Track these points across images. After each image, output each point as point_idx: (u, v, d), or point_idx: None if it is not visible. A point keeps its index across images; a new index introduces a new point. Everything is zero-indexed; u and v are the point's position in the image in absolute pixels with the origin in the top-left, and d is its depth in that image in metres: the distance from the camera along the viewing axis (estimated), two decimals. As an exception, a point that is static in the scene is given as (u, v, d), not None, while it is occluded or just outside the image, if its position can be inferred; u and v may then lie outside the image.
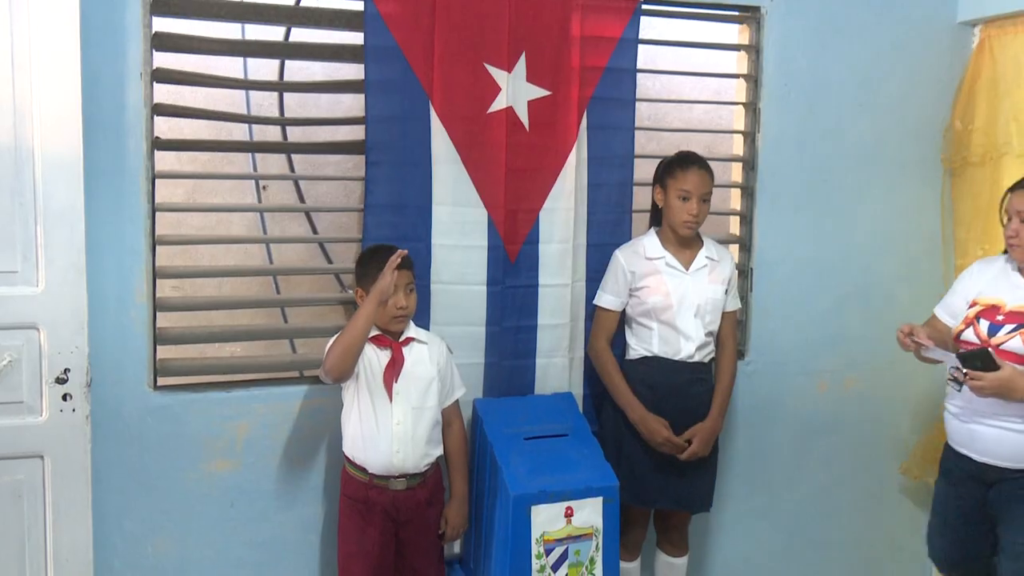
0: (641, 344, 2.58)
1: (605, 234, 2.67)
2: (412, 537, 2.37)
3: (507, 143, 2.53)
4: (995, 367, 2.16)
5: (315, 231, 2.87)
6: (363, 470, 2.31)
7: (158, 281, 2.38)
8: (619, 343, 2.65)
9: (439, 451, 2.39)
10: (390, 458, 2.29)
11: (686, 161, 2.53)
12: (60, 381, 2.07)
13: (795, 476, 3.05)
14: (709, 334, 2.59)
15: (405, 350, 2.35)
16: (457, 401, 2.45)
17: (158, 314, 2.38)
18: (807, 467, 3.06)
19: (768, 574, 3.07)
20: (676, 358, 2.54)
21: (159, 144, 2.35)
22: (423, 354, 2.37)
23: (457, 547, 2.62)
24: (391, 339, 2.34)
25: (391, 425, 2.29)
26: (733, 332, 2.67)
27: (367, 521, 2.32)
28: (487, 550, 2.44)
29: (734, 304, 2.66)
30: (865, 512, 3.16)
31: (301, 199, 2.87)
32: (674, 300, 2.53)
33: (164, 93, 2.37)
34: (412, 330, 2.38)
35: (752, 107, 2.88)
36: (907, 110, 3.02)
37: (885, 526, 3.19)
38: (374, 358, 2.31)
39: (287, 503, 2.50)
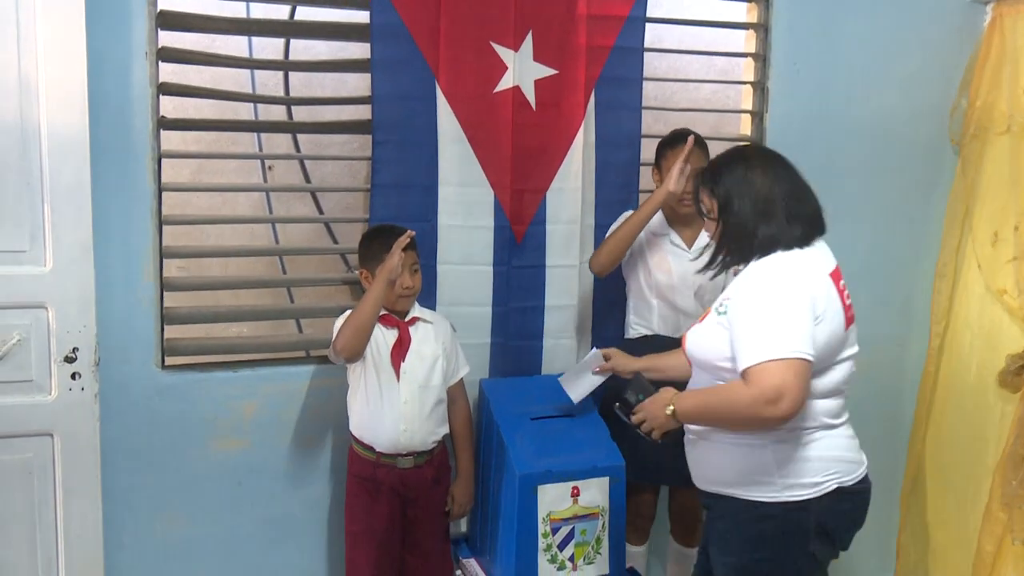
0: (641, 322, 2.58)
1: (612, 215, 2.65)
2: (419, 515, 2.39)
3: (513, 123, 2.52)
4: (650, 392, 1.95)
5: (321, 211, 2.87)
6: (370, 449, 2.33)
7: (164, 261, 2.38)
8: (617, 322, 2.65)
9: (445, 429, 2.41)
10: (397, 436, 2.30)
11: (676, 140, 2.52)
12: (69, 360, 2.08)
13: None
14: None
15: (411, 330, 2.36)
16: (462, 379, 2.46)
17: (165, 294, 2.38)
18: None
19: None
20: (676, 335, 2.54)
21: (165, 124, 2.34)
22: (428, 333, 2.38)
23: (464, 526, 2.64)
24: (397, 319, 2.34)
25: (398, 404, 2.30)
26: None
27: (374, 499, 2.34)
28: (494, 529, 2.45)
29: None
30: (882, 497, 3.14)
31: (307, 179, 2.86)
32: (675, 280, 2.52)
33: (169, 72, 2.36)
34: (417, 310, 2.39)
35: (760, 86, 2.86)
36: (918, 89, 3.00)
37: (892, 511, 3.19)
38: (380, 338, 2.32)
39: (294, 482, 2.52)
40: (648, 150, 2.70)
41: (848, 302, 1.86)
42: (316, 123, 2.65)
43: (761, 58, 2.85)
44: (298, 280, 2.79)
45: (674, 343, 2.52)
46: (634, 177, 2.70)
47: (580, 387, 2.36)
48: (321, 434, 2.52)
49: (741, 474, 1.82)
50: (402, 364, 2.32)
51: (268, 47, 2.70)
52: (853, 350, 1.87)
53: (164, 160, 2.36)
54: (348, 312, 2.32)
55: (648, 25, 2.66)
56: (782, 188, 1.85)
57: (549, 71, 2.55)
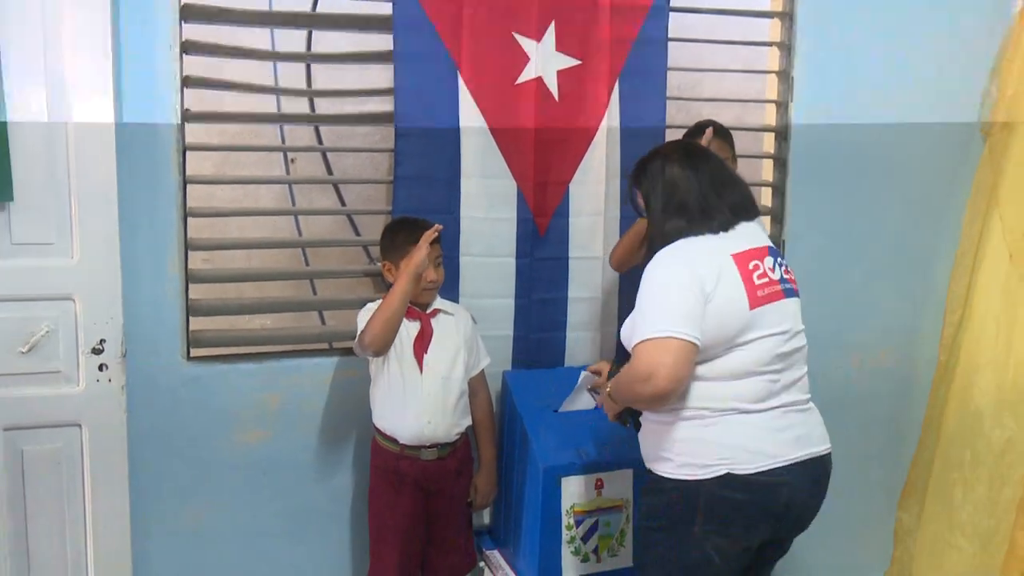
0: None
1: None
2: (442, 507, 2.40)
3: (536, 114, 2.50)
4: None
5: (343, 203, 2.87)
6: (393, 441, 2.33)
7: (189, 253, 2.39)
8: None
9: (468, 421, 2.41)
10: (421, 428, 2.30)
11: (696, 132, 2.50)
12: (96, 351, 2.10)
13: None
14: None
15: (433, 321, 2.36)
16: (483, 371, 2.46)
17: (190, 286, 2.40)
18: (838, 442, 3.02)
19: (796, 550, 3.05)
20: None
21: (189, 116, 2.35)
22: (450, 325, 2.38)
23: (487, 518, 2.64)
24: (419, 311, 2.34)
25: (421, 396, 2.30)
26: None
27: (397, 492, 2.35)
28: (517, 521, 2.45)
29: None
30: (897, 488, 3.13)
31: (329, 171, 2.87)
32: None
33: (192, 66, 2.37)
34: (438, 302, 2.39)
35: (785, 75, 2.83)
36: (946, 78, 2.94)
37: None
38: (403, 330, 2.32)
39: (318, 473, 2.53)
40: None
41: (761, 282, 1.84)
42: (339, 115, 2.65)
43: (786, 47, 2.82)
44: (321, 272, 2.79)
45: None
46: (658, 168, 2.68)
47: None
48: (344, 426, 2.53)
49: (652, 449, 1.89)
50: (425, 356, 2.32)
51: (290, 39, 2.70)
52: (772, 330, 1.83)
53: (188, 152, 2.37)
54: (370, 305, 2.33)
55: (672, 15, 2.63)
56: (699, 182, 1.88)
57: (572, 62, 2.53)
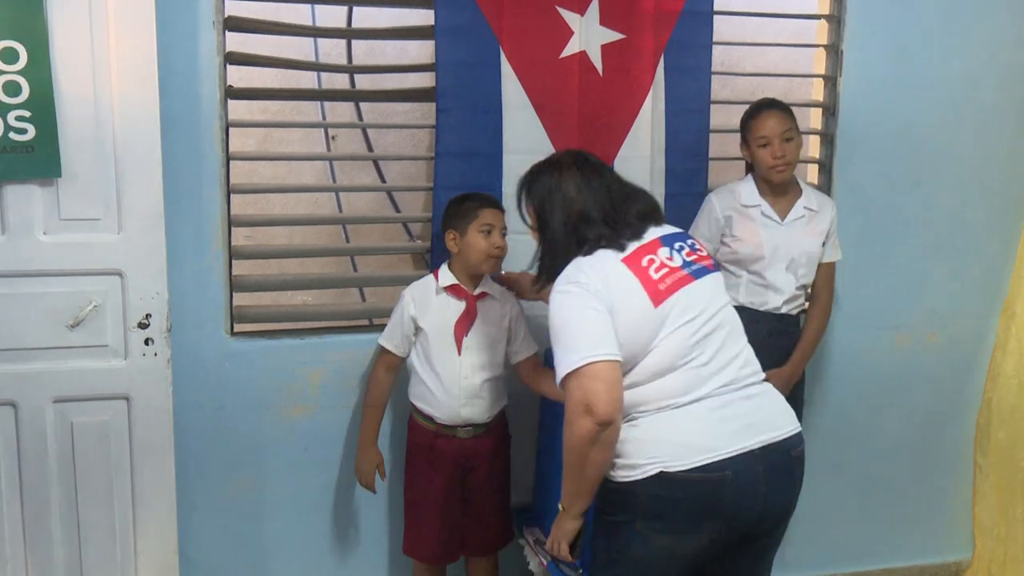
0: (727, 293, 2.52)
1: (681, 183, 2.60)
2: (479, 484, 2.40)
3: (580, 89, 2.47)
4: None
5: (383, 180, 2.87)
6: (430, 419, 2.34)
7: (232, 229, 2.41)
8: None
9: (503, 402, 2.40)
10: (457, 410, 2.31)
11: (756, 109, 2.46)
12: (142, 326, 2.12)
13: (871, 433, 2.98)
14: (801, 287, 2.52)
15: (479, 304, 2.34)
16: (535, 355, 2.41)
17: (233, 262, 2.41)
18: (884, 423, 2.99)
19: (840, 531, 3.03)
20: (762, 309, 2.48)
21: (232, 93, 2.36)
22: (495, 309, 2.36)
23: (526, 495, 2.64)
24: (468, 291, 2.33)
25: (459, 379, 2.30)
26: (829, 284, 2.59)
27: (434, 469, 2.35)
28: (556, 499, 2.44)
29: (832, 255, 2.58)
30: (943, 469, 3.08)
31: (369, 148, 2.86)
32: (766, 251, 2.46)
33: (235, 42, 2.37)
34: (488, 284, 2.36)
35: (834, 49, 2.76)
36: (1002, 49, 2.85)
37: (962, 484, 3.11)
38: (448, 309, 2.31)
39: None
40: (714, 117, 2.63)
41: (660, 274, 1.76)
42: (380, 91, 2.64)
43: (835, 20, 2.74)
44: (361, 249, 2.80)
45: (758, 315, 2.47)
46: (704, 145, 2.62)
47: None
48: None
49: None
50: (464, 339, 2.31)
51: (331, 15, 2.69)
52: (682, 319, 1.75)
53: (231, 129, 2.38)
54: (406, 297, 2.32)
55: (716, -14, 2.57)
56: (595, 198, 1.82)
57: (616, 35, 2.49)
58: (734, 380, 1.78)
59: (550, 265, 1.86)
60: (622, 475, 1.76)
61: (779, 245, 2.47)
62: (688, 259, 1.82)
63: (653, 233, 1.84)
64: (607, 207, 1.82)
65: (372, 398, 2.39)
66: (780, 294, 2.48)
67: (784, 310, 2.50)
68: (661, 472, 1.70)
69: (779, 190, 2.49)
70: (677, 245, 1.83)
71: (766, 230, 2.48)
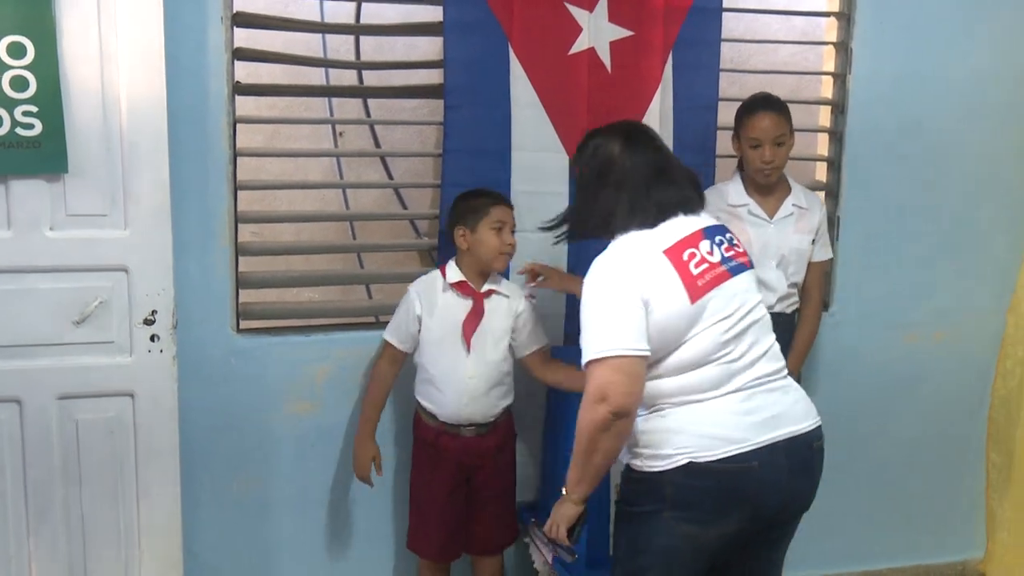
0: None
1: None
2: (484, 482, 2.39)
3: (588, 86, 2.46)
4: None
5: (390, 176, 2.86)
6: (434, 416, 2.33)
7: (239, 226, 2.40)
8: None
9: (508, 401, 2.39)
10: (460, 409, 2.30)
11: (752, 107, 2.44)
12: (148, 322, 2.11)
13: (878, 431, 2.97)
14: (793, 285, 2.51)
15: (486, 302, 2.33)
16: (544, 347, 2.39)
17: (239, 258, 2.41)
18: (891, 422, 2.98)
19: (849, 529, 3.01)
20: None
21: (239, 89, 2.35)
22: (502, 307, 2.34)
23: (530, 493, 2.63)
24: (474, 289, 2.32)
25: (464, 378, 2.29)
26: (819, 283, 2.59)
27: (437, 466, 2.35)
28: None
29: (822, 254, 2.57)
30: (950, 468, 3.06)
31: (377, 144, 2.85)
32: (756, 249, 2.45)
33: (243, 38, 2.36)
34: (494, 281, 2.35)
35: (844, 46, 2.74)
36: (1012, 49, 2.83)
37: (969, 483, 3.10)
38: (455, 307, 2.30)
39: (364, 446, 2.54)
40: (722, 115, 2.61)
41: (700, 269, 1.76)
42: (388, 88, 2.63)
43: (845, 17, 2.73)
44: (368, 246, 2.79)
45: None
46: (711, 142, 2.62)
47: None
48: (389, 398, 2.53)
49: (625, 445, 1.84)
50: (473, 337, 2.29)
51: (339, 11, 2.68)
52: (717, 317, 1.76)
53: (238, 125, 2.37)
54: (411, 292, 2.31)
55: (725, -17, 2.56)
56: (642, 169, 1.83)
57: (625, 32, 2.48)
58: (763, 376, 1.81)
59: (579, 226, 1.89)
60: (649, 464, 1.77)
61: (768, 243, 2.46)
62: (727, 255, 1.83)
63: (694, 224, 1.84)
64: (645, 183, 1.82)
65: (372, 391, 2.38)
66: (773, 292, 2.47)
67: (778, 308, 2.49)
68: (690, 462, 1.72)
69: (768, 189, 2.49)
70: (718, 239, 1.85)
71: (755, 228, 2.47)
